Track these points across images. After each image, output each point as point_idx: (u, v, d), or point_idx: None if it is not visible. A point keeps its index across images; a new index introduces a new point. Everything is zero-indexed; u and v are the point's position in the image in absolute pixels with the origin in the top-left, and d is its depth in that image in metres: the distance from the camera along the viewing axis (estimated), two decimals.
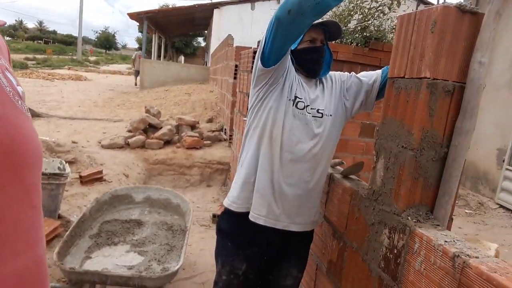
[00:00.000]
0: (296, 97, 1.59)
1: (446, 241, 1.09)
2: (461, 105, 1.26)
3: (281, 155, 1.56)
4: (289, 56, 1.60)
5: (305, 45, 1.63)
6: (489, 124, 5.90)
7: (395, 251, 1.28)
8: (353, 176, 1.83)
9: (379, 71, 1.75)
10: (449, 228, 1.32)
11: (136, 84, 16.02)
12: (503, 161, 5.59)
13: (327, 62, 1.73)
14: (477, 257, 1.00)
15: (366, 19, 5.49)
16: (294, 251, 1.71)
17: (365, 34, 6.50)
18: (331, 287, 1.75)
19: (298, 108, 1.58)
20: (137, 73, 16.15)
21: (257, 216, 1.56)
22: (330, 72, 1.77)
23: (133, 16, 15.41)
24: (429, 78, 1.24)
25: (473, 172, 6.21)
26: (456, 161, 1.26)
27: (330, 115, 1.65)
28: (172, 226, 2.75)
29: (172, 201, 2.96)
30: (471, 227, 4.78)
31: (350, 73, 1.79)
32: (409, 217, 1.27)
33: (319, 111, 1.62)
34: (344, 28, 6.62)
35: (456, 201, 5.52)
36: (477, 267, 0.95)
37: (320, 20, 1.54)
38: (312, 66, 1.65)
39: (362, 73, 1.79)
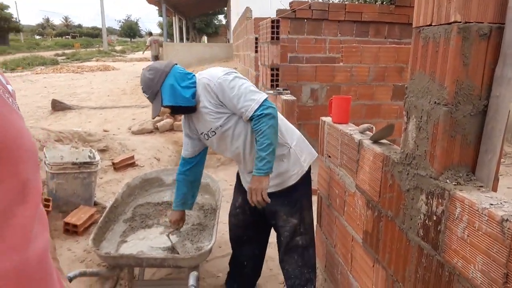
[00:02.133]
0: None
1: (491, 204, 0.98)
2: (500, 49, 1.11)
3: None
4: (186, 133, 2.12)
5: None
6: None
7: (435, 218, 1.17)
8: (384, 141, 1.71)
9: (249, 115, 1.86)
10: (494, 189, 1.20)
11: None
12: None
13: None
14: None
15: None
16: (276, 202, 1.95)
17: None
18: (369, 258, 1.67)
19: (204, 139, 2.04)
20: (155, 58, 16.28)
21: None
22: (208, 88, 1.89)
23: (151, 0, 15.35)
24: (459, 22, 1.09)
25: None
26: (499, 114, 1.12)
27: (215, 131, 1.94)
28: (203, 206, 2.74)
29: (202, 181, 2.94)
30: None
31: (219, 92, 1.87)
32: (447, 180, 1.16)
33: (209, 133, 1.97)
34: None
35: (503, 159, 5.23)
36: None
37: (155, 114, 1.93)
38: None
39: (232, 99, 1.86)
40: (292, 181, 2.00)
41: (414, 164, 1.30)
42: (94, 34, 79.21)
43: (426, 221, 1.21)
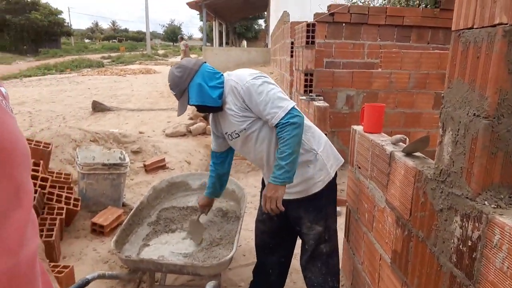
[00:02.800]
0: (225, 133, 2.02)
1: None
2: None
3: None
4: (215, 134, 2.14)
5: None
6: None
7: (470, 244, 1.04)
8: (418, 154, 1.58)
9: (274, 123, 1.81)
10: None
11: None
12: None
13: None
14: None
15: None
16: (299, 208, 1.94)
17: None
18: (397, 281, 1.54)
19: (229, 140, 2.00)
20: None
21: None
22: (235, 92, 1.85)
23: (192, 5, 15.67)
24: (506, 24, 0.97)
25: None
26: None
27: (240, 132, 1.89)
28: (227, 213, 2.69)
29: (227, 187, 2.88)
30: None
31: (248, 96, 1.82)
32: (486, 202, 1.03)
33: (233, 134, 1.93)
34: None
35: None
36: None
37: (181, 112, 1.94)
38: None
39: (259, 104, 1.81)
40: (317, 188, 1.92)
41: (449, 182, 1.17)
42: (139, 38, 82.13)
43: (460, 246, 1.08)
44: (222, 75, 1.96)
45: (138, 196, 3.55)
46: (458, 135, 1.14)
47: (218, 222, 2.57)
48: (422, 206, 1.33)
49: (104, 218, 2.89)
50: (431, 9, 5.66)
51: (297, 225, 2.01)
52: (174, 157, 4.66)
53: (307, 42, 4.06)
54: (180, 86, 1.86)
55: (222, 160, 2.21)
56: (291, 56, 5.62)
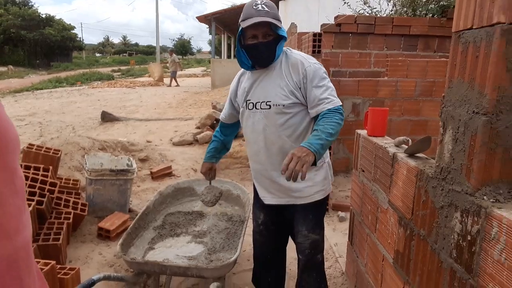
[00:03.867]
0: (246, 100, 1.88)
1: None
2: None
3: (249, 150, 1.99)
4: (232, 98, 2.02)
5: (248, 42, 1.77)
6: None
7: (469, 238, 1.05)
8: (420, 154, 1.59)
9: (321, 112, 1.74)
10: None
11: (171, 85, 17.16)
12: None
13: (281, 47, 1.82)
14: None
15: None
16: (299, 214, 1.91)
17: (441, 3, 5.88)
18: (399, 280, 1.54)
19: (249, 109, 1.87)
20: (174, 73, 17.18)
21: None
22: (299, 63, 1.78)
23: (202, 19, 15.93)
24: (503, 23, 0.99)
25: None
26: None
27: (279, 105, 1.77)
28: (232, 217, 2.70)
29: (232, 192, 2.91)
30: None
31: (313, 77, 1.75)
32: (485, 197, 1.04)
33: (267, 103, 1.80)
34: None
35: None
36: None
37: (256, 20, 1.68)
38: (257, 61, 1.82)
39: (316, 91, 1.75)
40: (320, 196, 1.91)
41: (449, 179, 1.18)
42: (149, 51, 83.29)
43: (460, 241, 1.09)
44: None
45: (144, 202, 3.57)
46: (458, 132, 1.16)
47: (223, 226, 2.58)
48: (423, 205, 1.34)
49: (110, 223, 2.92)
50: (438, 19, 5.68)
51: (292, 234, 2.01)
52: (181, 164, 4.70)
53: (313, 52, 4.10)
54: (276, 14, 1.76)
55: (232, 130, 2.17)
56: None
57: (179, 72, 29.58)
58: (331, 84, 1.79)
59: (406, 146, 1.72)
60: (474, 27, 1.11)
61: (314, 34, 4.08)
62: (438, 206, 1.23)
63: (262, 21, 1.69)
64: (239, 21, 1.76)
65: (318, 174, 1.88)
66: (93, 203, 3.06)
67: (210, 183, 2.34)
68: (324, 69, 1.82)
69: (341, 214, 3.45)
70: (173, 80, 17.42)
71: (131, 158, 3.37)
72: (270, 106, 1.79)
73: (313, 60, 1.82)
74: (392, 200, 1.64)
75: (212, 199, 2.30)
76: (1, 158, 0.54)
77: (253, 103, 1.85)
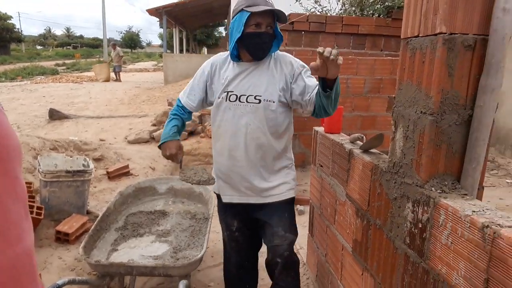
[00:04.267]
0: (227, 92, 1.80)
1: (474, 211, 0.98)
2: (484, 60, 1.13)
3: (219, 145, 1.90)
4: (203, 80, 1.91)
5: (250, 30, 1.71)
6: None
7: (420, 226, 1.18)
8: (374, 150, 1.72)
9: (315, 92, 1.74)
10: (479, 197, 1.20)
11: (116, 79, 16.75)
12: None
13: (278, 44, 1.82)
14: (510, 227, 0.89)
15: None
16: (274, 214, 1.89)
17: (387, 3, 6.20)
18: (358, 267, 1.67)
19: (230, 101, 1.80)
20: (113, 68, 16.87)
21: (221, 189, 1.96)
22: (290, 58, 1.84)
23: (152, 12, 15.51)
24: (445, 33, 1.12)
25: None
26: (482, 123, 1.14)
27: (268, 101, 1.76)
28: (196, 215, 2.73)
29: (194, 190, 2.94)
30: None
31: (301, 69, 1.81)
32: (432, 188, 1.17)
33: (256, 97, 1.76)
34: None
35: (496, 170, 5.21)
36: (509, 237, 0.84)
37: (266, 7, 1.66)
38: (254, 51, 1.76)
39: (310, 80, 1.80)
40: (292, 194, 1.95)
41: (401, 173, 1.31)
42: (95, 44, 79.73)
43: (412, 229, 1.22)
44: None
45: (102, 203, 3.50)
46: (408, 130, 1.28)
47: (187, 225, 2.61)
48: (378, 197, 1.47)
49: (68, 226, 2.84)
50: (383, 19, 5.99)
51: (266, 238, 1.94)
52: (138, 163, 4.63)
53: None
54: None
55: (189, 117, 2.04)
56: None
57: (129, 66, 28.61)
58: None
59: (361, 143, 1.86)
60: (420, 35, 1.24)
61: None
62: (392, 197, 1.36)
63: (272, 9, 1.68)
64: (240, 6, 1.71)
65: (289, 174, 1.94)
66: (49, 206, 2.96)
67: (180, 166, 2.03)
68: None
69: (300, 207, 3.59)
70: (117, 75, 16.92)
71: (87, 158, 3.28)
72: (260, 100, 1.76)
73: (297, 60, 1.88)
74: (349, 193, 1.77)
75: (201, 180, 1.91)
76: (3, 165, 0.54)
77: (236, 95, 1.78)
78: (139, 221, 2.64)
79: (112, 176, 4.13)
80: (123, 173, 4.25)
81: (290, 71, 1.80)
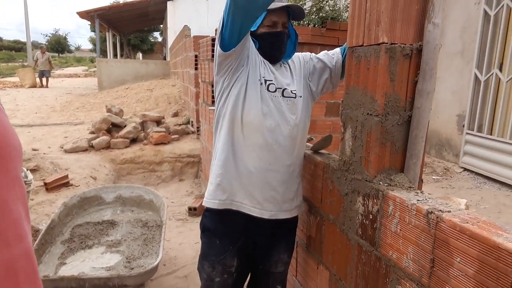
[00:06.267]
0: (265, 80, 1.56)
1: (418, 200, 1.11)
2: (420, 67, 1.28)
3: (257, 141, 1.53)
4: (250, 38, 1.54)
5: (265, 30, 1.58)
6: (447, 92, 6.12)
7: (371, 217, 1.30)
8: (323, 151, 1.84)
9: (338, 50, 1.76)
10: (419, 189, 1.35)
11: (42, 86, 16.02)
12: (463, 126, 5.84)
13: (293, 42, 1.69)
14: (449, 211, 1.03)
15: (321, 0, 5.50)
16: (283, 237, 1.71)
17: (321, 14, 6.54)
18: (313, 261, 1.77)
19: (269, 91, 1.55)
20: (41, 73, 16.00)
21: (239, 204, 1.55)
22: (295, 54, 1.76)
23: (83, 15, 14.81)
24: (387, 43, 1.25)
25: (437, 140, 6.45)
26: (420, 123, 1.29)
27: (301, 97, 1.64)
28: (147, 223, 2.69)
29: (144, 198, 2.89)
30: (439, 192, 4.98)
31: (311, 54, 1.80)
32: (380, 182, 1.29)
33: (293, 92, 1.61)
34: None
35: (424, 167, 5.69)
36: (450, 220, 0.97)
37: (282, 4, 1.53)
38: (271, 52, 1.60)
39: (322, 52, 1.80)
40: (301, 210, 1.75)
41: (351, 170, 1.43)
42: (16, 47, 73.76)
43: (364, 221, 1.34)
44: None
45: (42, 216, 3.30)
46: (356, 131, 1.41)
47: (139, 233, 2.56)
48: (330, 193, 1.58)
49: None
50: (318, 29, 6.31)
51: (267, 264, 1.70)
52: (78, 173, 4.41)
53: (212, 56, 4.23)
54: None
55: None
56: (196, 68, 5.74)
57: (57, 71, 26.94)
58: None
59: (310, 144, 1.97)
60: (364, 45, 1.37)
61: (213, 39, 4.21)
62: (344, 193, 1.47)
63: (288, 5, 1.54)
64: None
65: (299, 188, 1.71)
66: None
67: None
68: None
69: None
70: (47, 80, 15.94)
71: (25, 169, 3.07)
72: (295, 95, 1.60)
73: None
74: (302, 192, 1.87)
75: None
76: (5, 164, 0.54)
77: (275, 85, 1.56)
78: (87, 232, 2.54)
79: (51, 187, 3.89)
80: (63, 183, 4.03)
81: (303, 61, 1.72)
